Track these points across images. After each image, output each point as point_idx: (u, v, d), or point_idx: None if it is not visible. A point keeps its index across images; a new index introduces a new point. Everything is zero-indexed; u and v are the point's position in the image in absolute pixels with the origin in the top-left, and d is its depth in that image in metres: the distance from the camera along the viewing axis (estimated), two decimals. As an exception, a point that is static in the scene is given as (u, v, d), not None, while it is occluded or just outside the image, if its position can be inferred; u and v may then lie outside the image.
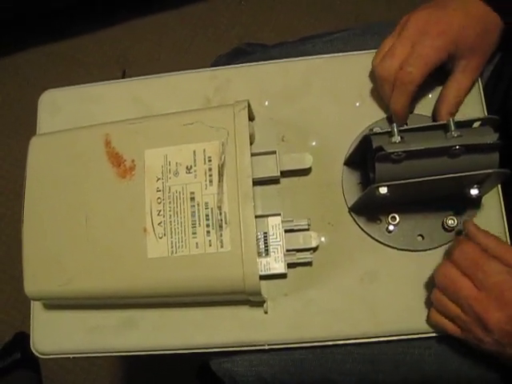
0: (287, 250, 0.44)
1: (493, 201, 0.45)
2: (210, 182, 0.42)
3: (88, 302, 0.46)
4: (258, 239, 0.43)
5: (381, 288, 0.45)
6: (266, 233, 0.44)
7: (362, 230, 0.46)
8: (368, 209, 0.45)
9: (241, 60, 0.58)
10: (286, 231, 0.45)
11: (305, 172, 0.47)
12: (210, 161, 0.42)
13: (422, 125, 0.39)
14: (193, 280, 0.41)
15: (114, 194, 0.43)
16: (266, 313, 0.45)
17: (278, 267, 0.44)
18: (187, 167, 0.43)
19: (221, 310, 0.46)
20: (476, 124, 0.40)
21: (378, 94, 0.48)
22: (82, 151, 0.45)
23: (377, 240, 0.45)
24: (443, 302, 0.39)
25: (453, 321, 0.39)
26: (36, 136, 0.48)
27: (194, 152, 0.43)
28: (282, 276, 0.45)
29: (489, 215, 0.45)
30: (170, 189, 0.42)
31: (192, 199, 0.42)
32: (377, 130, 0.42)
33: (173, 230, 0.41)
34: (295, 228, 0.45)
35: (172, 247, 0.41)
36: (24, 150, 0.47)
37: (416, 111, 0.47)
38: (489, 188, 0.42)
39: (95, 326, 0.47)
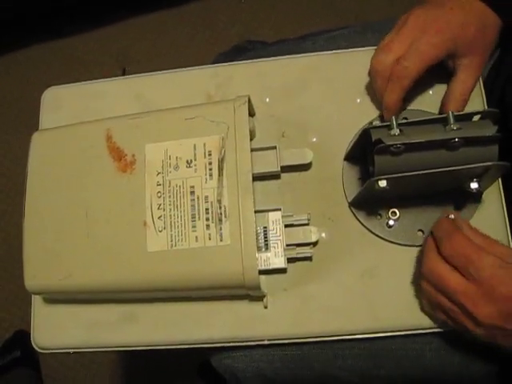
0: (287, 245, 0.44)
1: (493, 195, 0.45)
2: (210, 175, 0.42)
3: (88, 296, 0.46)
4: (257, 234, 0.43)
5: (381, 283, 0.44)
6: (265, 227, 0.45)
7: (363, 225, 0.46)
8: (368, 204, 0.45)
9: (241, 57, 0.58)
10: (286, 226, 0.45)
11: (305, 167, 0.47)
12: (210, 155, 0.42)
13: (421, 118, 0.39)
14: (192, 273, 0.41)
15: (114, 189, 0.43)
16: (265, 308, 0.45)
17: (278, 262, 0.44)
18: (187, 161, 0.43)
19: (221, 305, 0.46)
20: (476, 118, 0.40)
21: (379, 91, 0.48)
22: (83, 146, 0.45)
23: (377, 235, 0.45)
24: (432, 294, 0.38)
25: (444, 312, 0.39)
26: (38, 131, 0.48)
27: (195, 146, 0.43)
28: (282, 271, 0.45)
29: (489, 209, 0.45)
30: (170, 183, 0.42)
31: (192, 193, 0.42)
32: (376, 123, 0.42)
33: (172, 223, 0.41)
34: (295, 223, 0.45)
35: (172, 241, 0.41)
36: (23, 147, 0.47)
37: (415, 106, 0.47)
38: (489, 182, 0.42)
39: (95, 320, 0.47)
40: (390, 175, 0.38)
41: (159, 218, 0.42)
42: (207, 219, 0.41)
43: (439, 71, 0.45)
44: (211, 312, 0.46)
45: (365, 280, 0.45)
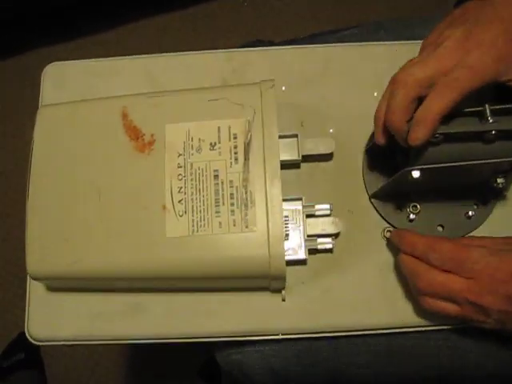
0: (308, 236, 0.43)
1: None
2: (236, 159, 0.40)
3: (96, 283, 0.43)
4: (280, 222, 0.42)
5: (400, 278, 0.44)
6: (286, 217, 0.43)
7: (383, 218, 0.45)
8: (389, 197, 0.45)
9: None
10: (307, 216, 0.43)
11: (326, 158, 0.46)
12: (235, 138, 0.40)
13: (456, 110, 0.39)
14: (214, 261, 0.39)
15: (130, 169, 0.41)
16: (283, 300, 0.43)
17: (300, 253, 0.42)
18: (211, 144, 0.41)
19: (235, 297, 0.44)
20: None
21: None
22: (95, 123, 0.42)
23: (397, 229, 0.44)
24: (440, 306, 0.38)
25: (456, 317, 0.39)
26: (44, 106, 0.45)
27: (219, 128, 0.41)
28: (302, 262, 0.44)
29: (508, 206, 0.45)
30: (192, 165, 0.40)
31: (216, 177, 0.40)
32: None
33: (194, 208, 0.39)
34: (317, 213, 0.43)
35: (193, 226, 0.39)
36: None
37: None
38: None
39: (100, 310, 0.44)
40: (426, 165, 0.37)
41: (180, 201, 0.40)
42: (232, 204, 0.39)
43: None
44: (223, 304, 0.44)
45: (384, 274, 0.44)
